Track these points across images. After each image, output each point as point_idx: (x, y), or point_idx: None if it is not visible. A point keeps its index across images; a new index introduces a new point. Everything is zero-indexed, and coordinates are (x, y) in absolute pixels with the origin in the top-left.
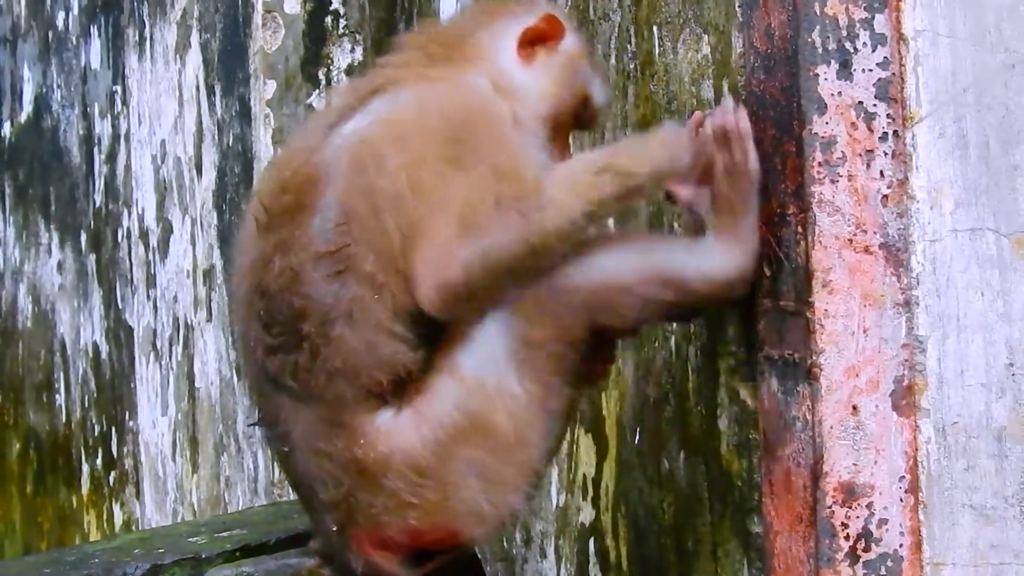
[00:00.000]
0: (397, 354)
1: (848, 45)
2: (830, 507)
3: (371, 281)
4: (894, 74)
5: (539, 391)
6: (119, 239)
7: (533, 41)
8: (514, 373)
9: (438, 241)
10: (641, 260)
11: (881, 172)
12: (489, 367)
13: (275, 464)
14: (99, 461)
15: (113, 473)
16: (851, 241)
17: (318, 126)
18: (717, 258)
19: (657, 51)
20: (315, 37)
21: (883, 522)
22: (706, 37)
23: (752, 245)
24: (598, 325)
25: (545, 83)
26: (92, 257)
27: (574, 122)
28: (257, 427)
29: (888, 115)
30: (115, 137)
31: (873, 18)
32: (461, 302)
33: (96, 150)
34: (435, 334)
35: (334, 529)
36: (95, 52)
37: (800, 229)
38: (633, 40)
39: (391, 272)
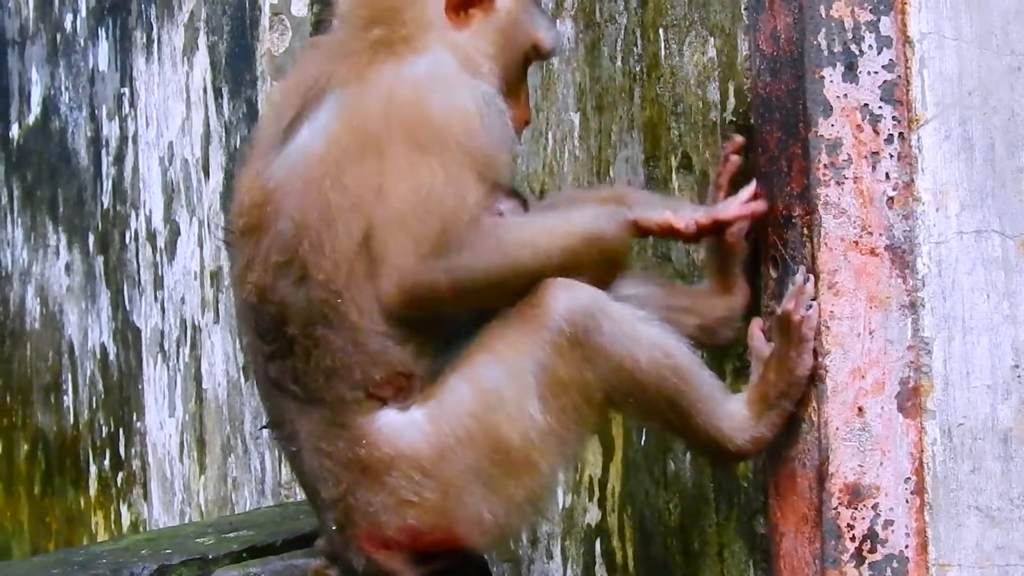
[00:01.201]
0: (385, 351)
1: (854, 48)
2: (836, 508)
3: (327, 286)
4: (900, 76)
5: (558, 428)
6: (127, 241)
7: (462, 4)
8: (538, 400)
9: (406, 246)
10: (671, 371)
11: (887, 174)
12: (513, 385)
13: (282, 465)
14: (107, 462)
15: (121, 474)
16: (857, 243)
17: (267, 138)
18: (735, 426)
19: (663, 53)
20: None
21: (889, 523)
22: (712, 39)
23: (766, 437)
24: (608, 398)
25: (484, 45)
26: (100, 259)
27: (526, 67)
28: (267, 429)
29: (894, 117)
30: (123, 139)
31: (879, 21)
32: (423, 306)
33: (104, 152)
34: (432, 334)
35: (334, 528)
36: (103, 54)
37: (806, 231)
38: (639, 42)
39: (349, 277)
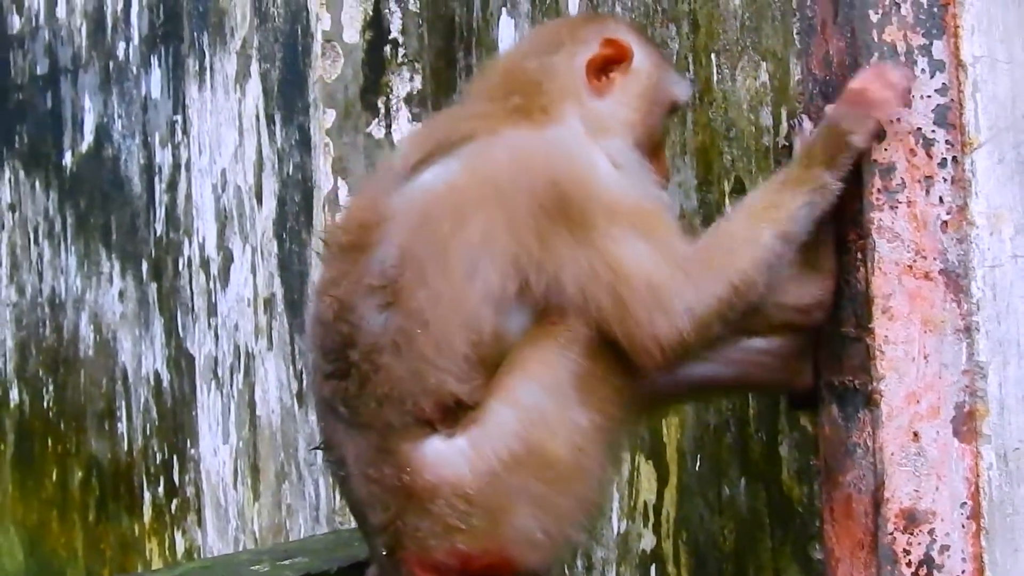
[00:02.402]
0: (444, 383)
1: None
2: (891, 533)
3: (418, 316)
4: (952, 100)
5: (602, 420)
6: (180, 268)
7: (602, 69)
8: (577, 402)
9: (640, 329)
10: None
11: (940, 198)
12: (551, 396)
13: (336, 492)
14: (161, 489)
15: (175, 501)
16: (911, 267)
17: (389, 174)
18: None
19: (715, 78)
20: (374, 66)
21: (945, 548)
22: (764, 64)
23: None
24: None
25: (626, 111)
26: (153, 286)
27: (663, 124)
28: (320, 451)
29: (947, 141)
30: (176, 166)
31: (931, 44)
32: (682, 360)
33: (157, 179)
34: (488, 368)
35: (384, 553)
36: (155, 82)
37: (860, 255)
38: (691, 67)
39: (438, 310)
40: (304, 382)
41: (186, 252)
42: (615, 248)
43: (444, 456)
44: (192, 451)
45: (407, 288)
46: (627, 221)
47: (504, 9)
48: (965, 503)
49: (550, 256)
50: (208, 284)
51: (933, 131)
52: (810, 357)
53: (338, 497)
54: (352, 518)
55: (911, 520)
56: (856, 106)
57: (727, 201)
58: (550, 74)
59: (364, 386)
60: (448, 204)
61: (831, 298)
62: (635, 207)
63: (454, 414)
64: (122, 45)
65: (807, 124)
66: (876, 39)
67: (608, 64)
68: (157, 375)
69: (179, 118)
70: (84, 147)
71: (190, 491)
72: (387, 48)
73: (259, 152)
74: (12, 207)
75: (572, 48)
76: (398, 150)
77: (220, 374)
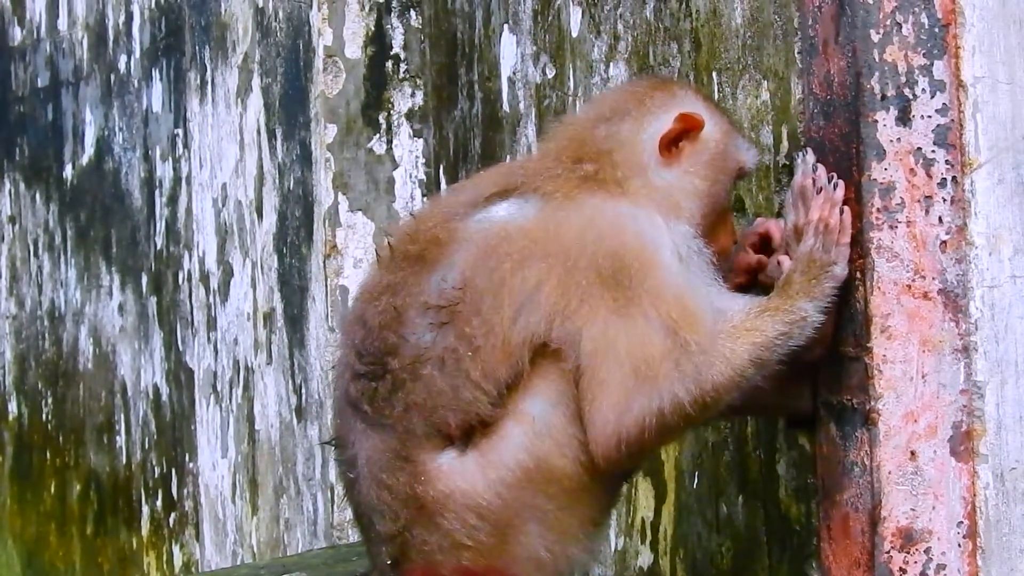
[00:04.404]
0: (477, 403)
1: (907, 92)
2: (888, 552)
3: (469, 341)
4: (953, 120)
5: None
6: (180, 282)
7: (675, 140)
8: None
9: (614, 396)
10: None
11: (940, 218)
12: (556, 413)
13: (334, 507)
14: (159, 503)
15: (173, 515)
16: (910, 287)
17: (460, 200)
18: None
19: (717, 97)
20: (376, 81)
21: (941, 567)
22: (765, 83)
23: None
24: None
25: (696, 181)
26: (153, 299)
27: (732, 190)
28: (332, 447)
29: (947, 161)
30: (176, 180)
31: (932, 65)
32: (632, 454)
33: (157, 193)
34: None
35: (388, 563)
36: (157, 95)
37: (859, 275)
38: (693, 86)
39: (489, 341)
40: (303, 397)
41: (186, 266)
42: (644, 330)
43: (457, 468)
44: (191, 465)
45: (463, 313)
46: (665, 309)
47: (506, 26)
48: (962, 522)
49: (583, 311)
50: (208, 298)
51: (933, 151)
52: (808, 380)
53: (336, 512)
54: (350, 533)
55: (908, 539)
56: (825, 236)
57: None
58: (620, 145)
59: (397, 391)
60: (515, 247)
61: (831, 334)
62: (678, 299)
63: (472, 432)
64: (123, 58)
65: (810, 157)
66: (877, 59)
67: (679, 137)
68: (156, 389)
69: (180, 132)
70: (85, 160)
71: (188, 505)
72: (389, 64)
73: (260, 166)
74: (12, 219)
75: (640, 119)
76: (471, 180)
77: (219, 388)
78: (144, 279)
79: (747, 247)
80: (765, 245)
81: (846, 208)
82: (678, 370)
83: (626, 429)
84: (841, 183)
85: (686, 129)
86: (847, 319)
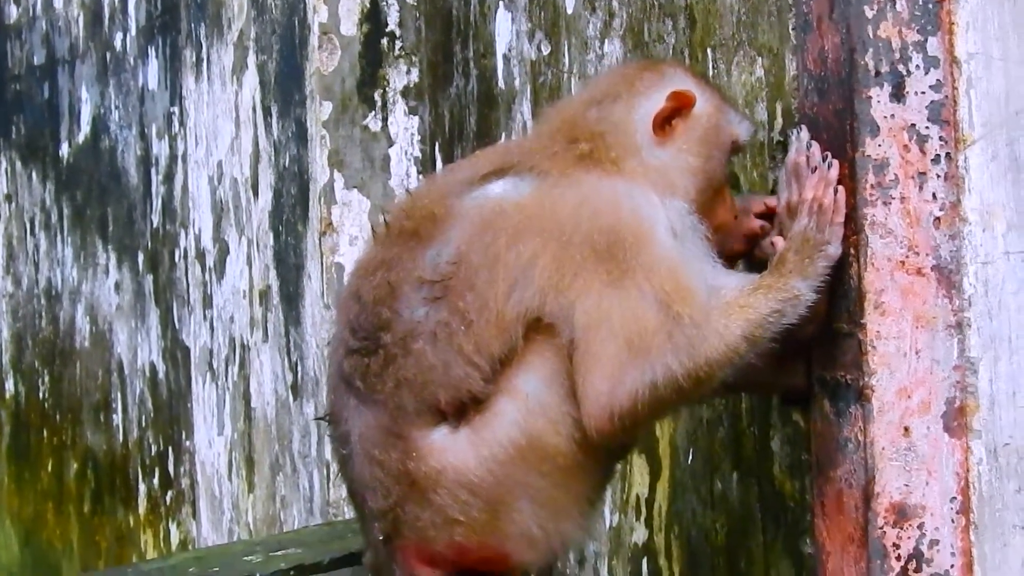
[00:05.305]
0: (468, 378)
1: (901, 68)
2: (881, 528)
3: (463, 315)
4: (947, 97)
5: None
6: (176, 259)
7: (667, 119)
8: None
9: (607, 368)
10: None
11: (933, 194)
12: (552, 389)
13: (330, 484)
14: (156, 481)
15: (170, 493)
16: (903, 263)
17: (456, 178)
18: None
19: (711, 73)
20: (371, 59)
21: (934, 543)
22: (760, 59)
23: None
24: None
25: (689, 157)
26: (149, 278)
27: (727, 164)
28: (325, 422)
29: (941, 138)
30: (172, 158)
31: (926, 41)
32: (626, 427)
33: (153, 171)
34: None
35: (381, 539)
36: (152, 73)
37: (853, 251)
38: (687, 62)
39: (483, 316)
40: (299, 374)
41: (182, 244)
42: (638, 303)
43: (449, 444)
44: (187, 443)
45: (457, 288)
46: (659, 283)
47: (501, 3)
48: (955, 498)
49: (577, 284)
50: (204, 276)
51: (927, 127)
52: (802, 357)
53: (332, 489)
54: (346, 510)
55: (901, 515)
56: (819, 215)
57: None
58: (614, 126)
59: (388, 366)
60: (510, 222)
61: (824, 311)
62: (672, 273)
63: (464, 409)
64: (119, 36)
65: (804, 134)
66: (871, 35)
67: (672, 115)
68: (153, 367)
69: (176, 110)
70: (81, 138)
71: (185, 483)
72: (384, 41)
73: (255, 144)
74: (8, 198)
75: (632, 99)
76: (467, 160)
77: (215, 366)
78: (140, 257)
79: (752, 214)
80: (770, 217)
81: (840, 188)
82: (671, 343)
83: (619, 402)
84: (835, 162)
85: (678, 107)
86: (841, 295)
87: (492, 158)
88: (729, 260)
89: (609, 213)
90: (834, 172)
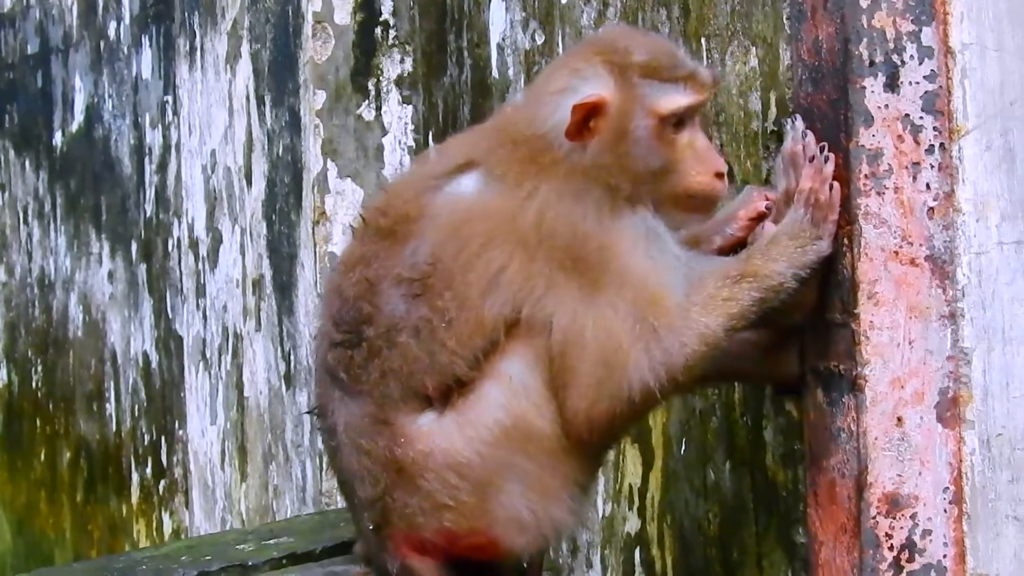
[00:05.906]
0: (453, 365)
1: (895, 58)
2: (874, 518)
3: (442, 313)
4: (941, 87)
5: None
6: (169, 249)
7: (583, 121)
8: None
9: (583, 387)
10: None
11: (927, 185)
12: (535, 373)
13: (323, 474)
14: (149, 470)
15: (163, 482)
16: (897, 253)
17: (426, 172)
18: None
19: (705, 63)
20: (365, 48)
21: (927, 533)
22: (754, 49)
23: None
24: None
25: (617, 149)
26: (142, 267)
27: (674, 132)
28: (313, 416)
29: (935, 128)
30: (166, 147)
31: (920, 31)
32: (606, 437)
33: (147, 160)
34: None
35: (371, 528)
36: (146, 62)
37: (846, 241)
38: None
39: (462, 315)
40: (292, 363)
41: (175, 233)
42: (612, 320)
43: (436, 427)
44: (180, 432)
45: (435, 286)
46: (631, 295)
47: None
48: (948, 488)
49: (551, 297)
50: (197, 265)
51: (921, 117)
52: (795, 347)
53: (324, 479)
54: (338, 499)
55: (894, 504)
56: (815, 209)
57: None
58: (536, 136)
59: (373, 358)
60: (477, 229)
61: (812, 301)
62: (642, 281)
63: (450, 393)
64: (113, 25)
65: (800, 124)
66: (866, 25)
67: (586, 118)
68: (146, 356)
69: (169, 98)
70: (74, 127)
71: (178, 472)
72: (378, 30)
73: (249, 133)
74: (2, 187)
75: (548, 108)
76: (435, 150)
77: (208, 355)
78: (134, 246)
79: (755, 204)
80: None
81: (835, 184)
82: (647, 356)
83: (597, 416)
84: (831, 156)
85: (585, 116)
86: (834, 285)
87: (461, 148)
88: (729, 250)
89: (566, 227)
90: (830, 166)
